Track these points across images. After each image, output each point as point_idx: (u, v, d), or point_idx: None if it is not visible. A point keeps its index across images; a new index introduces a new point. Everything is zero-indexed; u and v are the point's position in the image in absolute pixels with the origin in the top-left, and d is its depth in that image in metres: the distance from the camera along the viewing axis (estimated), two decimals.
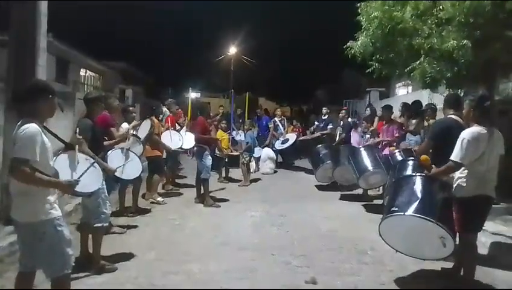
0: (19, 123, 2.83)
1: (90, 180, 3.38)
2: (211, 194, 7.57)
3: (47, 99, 2.94)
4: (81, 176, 3.15)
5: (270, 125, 12.25)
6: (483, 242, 4.92)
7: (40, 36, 5.32)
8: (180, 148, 8.05)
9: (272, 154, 11.52)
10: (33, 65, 5.22)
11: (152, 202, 7.25)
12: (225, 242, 5.29)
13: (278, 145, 11.92)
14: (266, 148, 11.47)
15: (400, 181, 4.38)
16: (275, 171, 11.47)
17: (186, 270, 4.32)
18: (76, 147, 3.44)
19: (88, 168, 3.32)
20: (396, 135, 7.29)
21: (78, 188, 3.14)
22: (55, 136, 3.13)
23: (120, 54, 22.53)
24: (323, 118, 11.60)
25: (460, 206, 3.78)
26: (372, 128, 8.53)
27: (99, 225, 4.26)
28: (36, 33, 5.24)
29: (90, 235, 4.38)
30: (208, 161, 7.33)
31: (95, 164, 3.53)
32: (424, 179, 4.00)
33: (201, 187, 7.40)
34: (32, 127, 2.76)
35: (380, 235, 4.04)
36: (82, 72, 17.27)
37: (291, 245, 5.25)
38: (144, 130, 6.25)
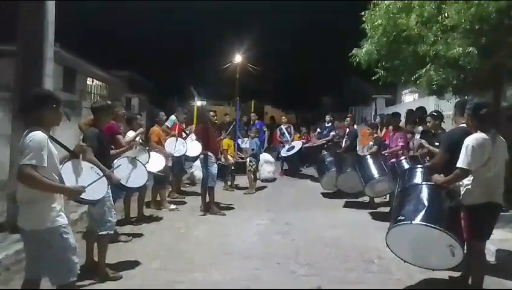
0: (25, 132, 2.86)
1: (96, 189, 3.39)
2: (216, 202, 7.55)
3: (52, 108, 2.97)
4: (89, 185, 3.17)
5: (264, 129, 12.27)
6: (492, 250, 4.84)
7: (47, 46, 5.38)
8: (184, 155, 8.06)
9: (268, 157, 11.34)
10: (40, 75, 5.28)
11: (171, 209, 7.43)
12: (230, 251, 5.27)
13: (284, 152, 11.89)
14: (263, 153, 11.25)
15: (406, 190, 4.34)
16: (274, 179, 11.31)
17: (190, 279, 4.30)
18: (81, 155, 3.46)
19: (96, 180, 3.34)
20: (401, 143, 7.22)
21: (83, 196, 3.16)
22: (61, 144, 3.16)
23: (126, 62, 22.69)
24: (326, 125, 11.56)
25: (468, 213, 3.74)
26: (376, 135, 8.49)
27: (105, 233, 4.27)
28: (43, 43, 5.31)
29: (95, 244, 4.39)
30: (214, 168, 7.33)
31: (99, 171, 3.55)
32: (430, 187, 3.96)
33: (207, 195, 7.39)
34: (39, 134, 2.79)
35: (387, 245, 4.00)
36: (89, 81, 17.39)
37: (296, 254, 5.21)
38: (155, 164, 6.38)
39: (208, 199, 7.38)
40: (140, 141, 6.19)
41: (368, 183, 7.27)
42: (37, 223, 2.82)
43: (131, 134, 6.12)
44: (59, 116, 3.06)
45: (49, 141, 2.86)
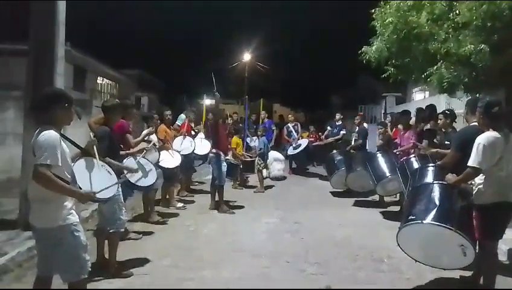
0: (37, 131, 2.89)
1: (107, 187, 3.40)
2: (225, 200, 7.57)
3: (64, 108, 3.00)
4: (101, 191, 3.18)
5: (273, 128, 12.45)
6: (504, 250, 4.79)
7: (58, 45, 5.42)
8: (193, 153, 8.08)
9: (277, 155, 11.33)
10: (51, 74, 5.32)
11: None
12: (239, 249, 5.28)
13: (290, 150, 11.88)
14: (272, 151, 11.30)
15: (417, 189, 4.30)
16: (284, 177, 11.31)
17: (200, 276, 4.32)
18: (95, 152, 3.48)
19: (109, 187, 3.35)
20: (412, 141, 7.15)
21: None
22: (72, 142, 3.19)
23: (136, 61, 22.83)
24: (336, 123, 11.51)
25: (481, 213, 3.70)
26: (386, 133, 8.43)
27: (115, 230, 4.30)
28: (54, 42, 5.35)
29: (106, 241, 4.42)
30: (223, 167, 7.35)
31: (110, 169, 3.57)
32: (441, 187, 3.92)
33: (216, 194, 7.41)
34: (51, 133, 2.81)
35: (398, 244, 3.98)
36: (99, 80, 17.50)
37: (305, 252, 5.20)
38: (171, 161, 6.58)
39: (217, 198, 7.39)
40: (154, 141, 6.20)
41: (380, 182, 7.22)
42: (49, 221, 2.85)
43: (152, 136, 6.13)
44: (71, 116, 3.08)
45: (61, 140, 2.89)
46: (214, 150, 7.44)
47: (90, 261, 3.06)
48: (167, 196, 7.51)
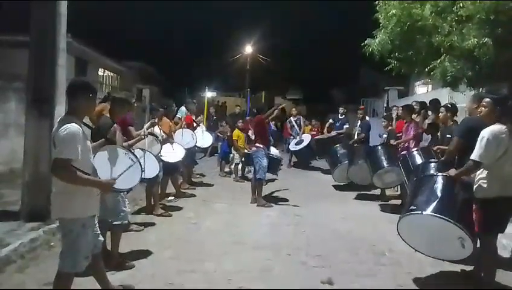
0: (58, 121, 2.92)
1: (129, 176, 3.38)
2: (223, 193, 7.54)
3: (88, 98, 3.01)
4: (120, 175, 3.17)
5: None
6: (505, 245, 4.79)
7: (60, 37, 5.40)
8: (195, 146, 8.06)
9: (275, 151, 11.31)
10: (53, 65, 5.31)
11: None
12: (241, 241, 5.29)
13: (292, 146, 11.83)
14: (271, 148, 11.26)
15: (420, 180, 4.32)
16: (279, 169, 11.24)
17: (202, 269, 4.33)
18: (117, 140, 3.47)
19: (128, 168, 3.31)
20: (412, 132, 7.15)
21: (117, 185, 3.16)
22: (95, 131, 3.18)
23: (137, 53, 22.77)
24: (339, 117, 11.46)
25: (482, 207, 3.70)
26: (390, 127, 8.41)
27: (119, 222, 4.29)
28: (56, 34, 5.33)
29: (108, 233, 4.42)
30: (264, 161, 7.32)
31: (134, 157, 3.53)
32: (444, 179, 3.93)
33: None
34: (72, 126, 2.83)
35: (398, 233, 3.99)
36: (100, 71, 17.45)
37: (307, 245, 5.22)
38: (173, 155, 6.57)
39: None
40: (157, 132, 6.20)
41: (376, 173, 7.22)
42: (64, 211, 2.91)
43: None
44: (94, 106, 3.13)
45: (82, 132, 2.91)
46: (259, 145, 7.43)
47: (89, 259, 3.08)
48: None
